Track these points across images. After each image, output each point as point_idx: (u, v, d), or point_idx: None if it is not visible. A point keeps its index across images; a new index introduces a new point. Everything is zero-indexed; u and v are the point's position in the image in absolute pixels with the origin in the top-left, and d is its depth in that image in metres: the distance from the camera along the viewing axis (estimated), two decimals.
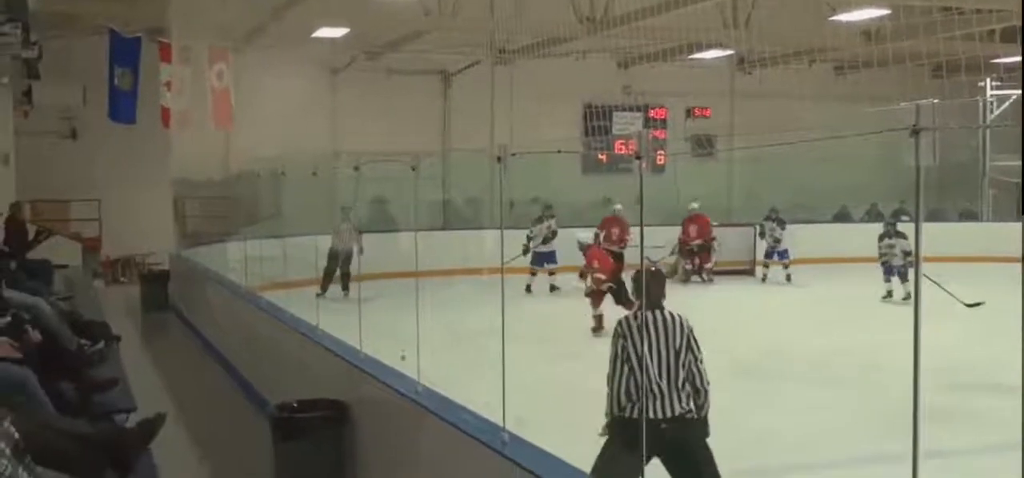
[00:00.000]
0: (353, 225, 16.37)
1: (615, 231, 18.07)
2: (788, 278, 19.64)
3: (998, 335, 13.52)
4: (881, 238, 16.55)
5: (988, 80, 25.19)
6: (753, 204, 20.73)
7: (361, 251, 16.20)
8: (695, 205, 20.36)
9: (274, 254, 15.44)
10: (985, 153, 26.60)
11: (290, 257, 14.81)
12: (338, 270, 16.25)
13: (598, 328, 13.08)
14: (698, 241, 20.07)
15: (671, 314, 5.42)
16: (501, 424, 4.73)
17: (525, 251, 17.98)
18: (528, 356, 7.46)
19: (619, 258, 16.84)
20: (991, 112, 25.56)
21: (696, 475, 5.20)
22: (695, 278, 20.03)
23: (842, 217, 25.68)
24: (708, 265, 20.09)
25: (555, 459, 4.40)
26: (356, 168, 7.59)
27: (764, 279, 20.22)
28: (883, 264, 16.43)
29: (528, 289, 17.70)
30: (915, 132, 2.81)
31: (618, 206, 18.79)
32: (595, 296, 13.70)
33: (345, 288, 16.04)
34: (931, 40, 18.32)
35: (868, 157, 21.23)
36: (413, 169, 6.55)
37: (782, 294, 18.84)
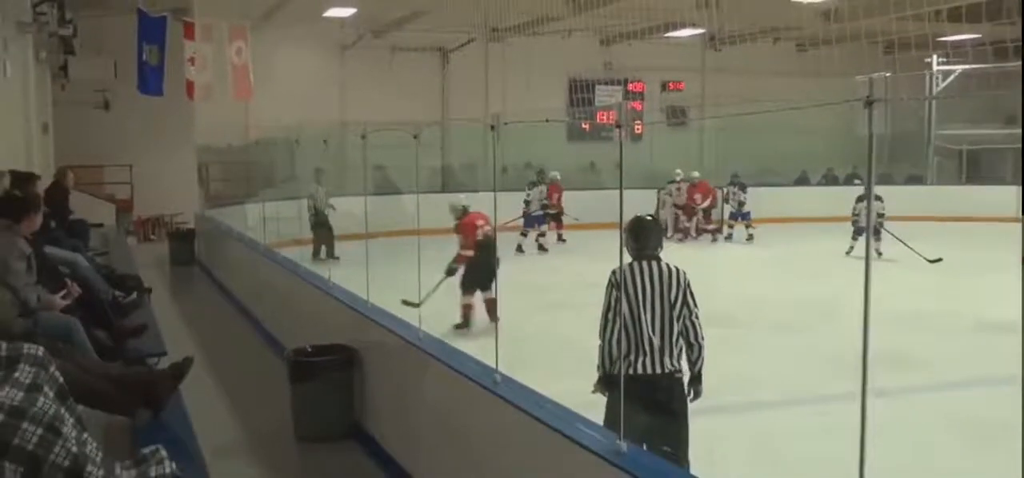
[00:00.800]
0: (325, 189, 16.34)
1: (555, 196, 18.48)
2: (750, 237, 19.68)
3: (949, 287, 13.71)
4: (859, 199, 16.42)
5: (935, 57, 25.10)
6: (722, 169, 20.72)
7: (333, 208, 16.19)
8: (696, 174, 20.34)
9: (290, 214, 15.43)
10: (931, 123, 26.57)
11: (304, 217, 14.78)
12: (322, 246, 16.01)
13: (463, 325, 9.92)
14: (704, 205, 20.09)
15: (668, 266, 4.88)
16: (494, 366, 4.76)
17: (525, 215, 17.98)
18: (522, 306, 7.51)
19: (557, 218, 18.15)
20: (937, 86, 25.52)
21: (671, 443, 4.63)
22: (705, 236, 20.03)
23: (802, 181, 25.71)
24: (711, 226, 20.09)
25: (541, 396, 4.43)
26: (363, 136, 7.56)
27: (729, 238, 20.26)
28: (854, 223, 16.35)
29: (519, 248, 17.68)
30: (869, 103, 2.82)
31: (555, 174, 18.77)
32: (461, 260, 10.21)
33: (330, 254, 15.57)
34: (884, 19, 18.27)
35: (825, 127, 21.13)
36: (415, 137, 6.54)
37: (747, 251, 18.91)
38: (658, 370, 4.68)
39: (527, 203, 18.27)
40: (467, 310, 9.77)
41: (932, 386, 8.09)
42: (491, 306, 9.14)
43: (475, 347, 5.34)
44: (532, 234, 18.31)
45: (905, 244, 15.07)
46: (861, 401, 2.79)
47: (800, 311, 10.95)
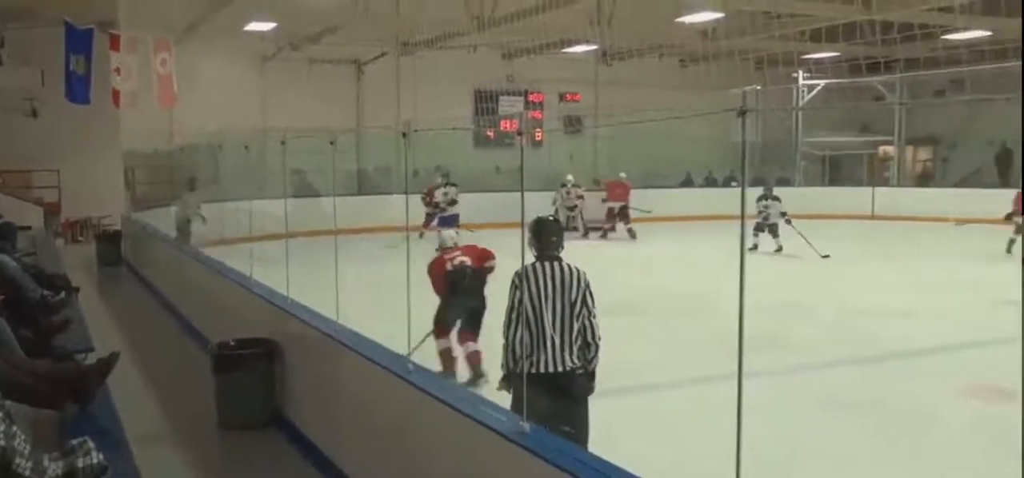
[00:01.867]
0: (196, 195, 16.07)
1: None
2: (630, 233, 19.52)
3: (821, 277, 14.11)
4: (759, 199, 16.61)
5: (800, 72, 25.92)
6: (615, 173, 20.97)
7: (204, 221, 15.93)
8: (623, 175, 20.37)
9: (213, 216, 15.07)
10: (798, 132, 27.34)
11: (227, 219, 14.45)
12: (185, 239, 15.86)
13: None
14: (621, 203, 19.93)
15: (569, 266, 4.70)
16: (407, 355, 4.72)
17: (429, 217, 17.79)
18: (434, 299, 7.46)
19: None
20: (803, 98, 26.31)
21: (572, 426, 4.48)
22: (614, 235, 19.77)
23: (686, 183, 26.22)
24: (628, 224, 19.82)
25: (450, 383, 4.42)
26: (283, 142, 7.42)
27: (605, 235, 20.30)
28: (757, 223, 16.27)
29: (420, 236, 17.28)
30: (741, 113, 2.87)
31: (441, 178, 18.70)
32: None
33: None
34: (755, 38, 18.82)
35: (706, 134, 21.78)
36: (332, 143, 6.46)
37: (639, 248, 19.02)
38: (559, 367, 4.58)
39: (438, 206, 18.06)
40: (443, 355, 7.40)
41: (806, 366, 8.33)
42: (473, 359, 7.26)
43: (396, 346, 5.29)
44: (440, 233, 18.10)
45: (805, 239, 15.49)
46: (738, 381, 2.86)
47: (690, 301, 11.14)
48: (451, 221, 18.02)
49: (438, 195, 18.18)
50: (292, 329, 6.49)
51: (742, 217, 3.08)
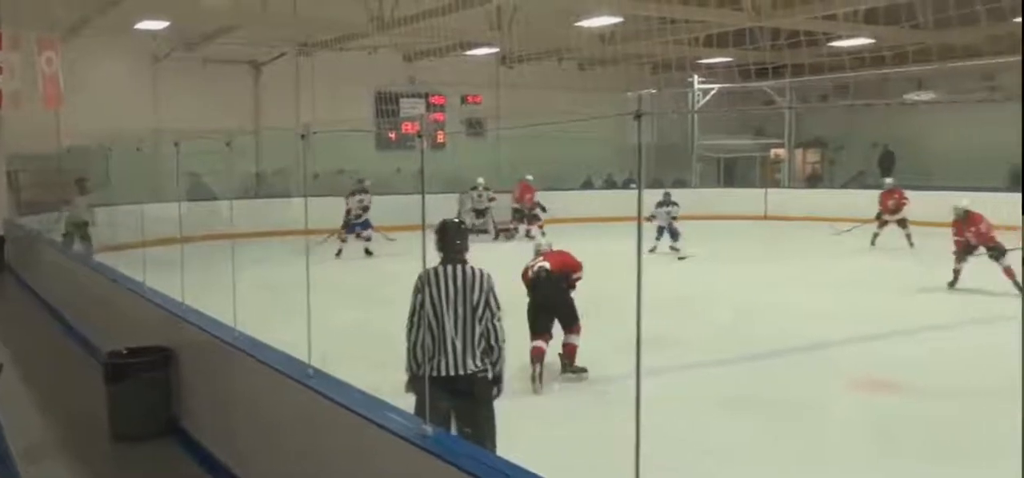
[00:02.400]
0: (88, 198, 15.70)
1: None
2: (527, 234, 19.47)
3: (716, 275, 14.41)
4: (659, 205, 16.73)
5: (695, 76, 26.53)
6: (516, 175, 21.05)
7: (94, 223, 15.55)
8: (530, 177, 20.31)
9: (104, 220, 14.56)
10: (694, 135, 27.95)
11: (118, 222, 14.00)
12: (77, 238, 15.42)
13: None
14: (528, 204, 20.07)
15: (472, 269, 4.69)
16: (307, 361, 4.65)
17: (346, 225, 17.39)
18: (338, 304, 7.37)
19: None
20: (698, 102, 26.94)
21: (478, 430, 4.54)
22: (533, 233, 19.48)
23: (587, 185, 26.53)
24: (538, 224, 19.84)
25: (351, 387, 4.37)
26: (176, 144, 7.22)
27: (511, 236, 20.40)
28: (659, 227, 16.46)
29: (338, 254, 17.06)
30: (637, 116, 2.92)
31: (366, 182, 18.37)
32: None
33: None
34: (651, 43, 19.20)
35: (605, 137, 22.07)
36: (227, 145, 6.31)
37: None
38: (460, 371, 4.54)
39: (349, 212, 17.63)
40: (534, 353, 7.60)
41: (702, 364, 8.52)
42: (567, 352, 7.81)
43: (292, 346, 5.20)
44: (352, 240, 17.61)
45: (673, 242, 15.81)
46: (636, 379, 2.91)
47: (590, 301, 11.25)
48: (363, 226, 17.58)
49: (352, 202, 17.71)
50: (188, 336, 6.33)
51: (639, 218, 3.14)
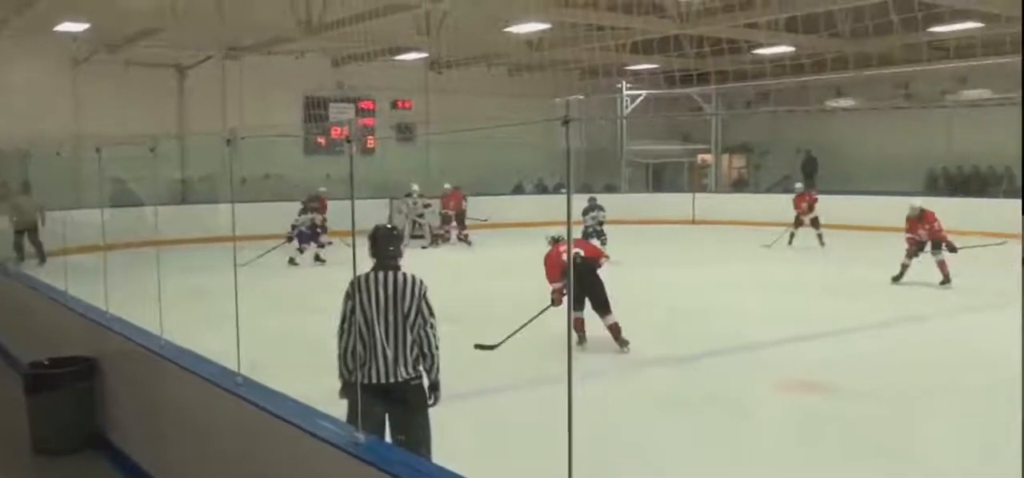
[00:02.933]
0: (35, 199, 15.41)
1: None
2: (460, 238, 19.95)
3: (647, 278, 14.53)
4: (585, 211, 16.77)
5: (624, 82, 26.85)
6: (446, 180, 21.00)
7: (44, 222, 15.27)
8: (448, 186, 20.27)
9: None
10: (622, 140, 28.26)
11: (52, 229, 13.62)
12: (27, 242, 15.40)
13: None
14: (455, 211, 20.15)
15: (404, 275, 4.61)
16: (236, 369, 4.58)
17: (289, 239, 16.94)
18: (269, 311, 7.26)
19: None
20: (627, 107, 27.27)
21: (412, 437, 4.46)
22: (459, 241, 20.00)
23: (518, 190, 26.63)
24: (464, 231, 20.03)
25: (282, 396, 4.31)
26: (98, 150, 7.03)
27: (447, 241, 20.43)
28: (584, 231, 16.54)
29: (292, 261, 16.41)
30: (565, 122, 2.94)
31: (322, 189, 17.97)
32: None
33: (41, 259, 15.09)
34: (579, 49, 19.38)
35: (535, 142, 22.21)
36: (152, 150, 6.17)
37: (475, 254, 19.08)
38: (392, 379, 4.47)
39: (294, 227, 17.18)
40: (577, 324, 8.84)
41: (635, 365, 8.61)
42: (612, 331, 8.91)
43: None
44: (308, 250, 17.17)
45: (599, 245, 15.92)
46: (568, 382, 2.93)
47: (525, 306, 11.31)
48: (311, 238, 17.07)
49: (301, 220, 17.20)
50: (112, 345, 6.17)
51: (569, 222, 3.17)
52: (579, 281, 8.73)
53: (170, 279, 5.70)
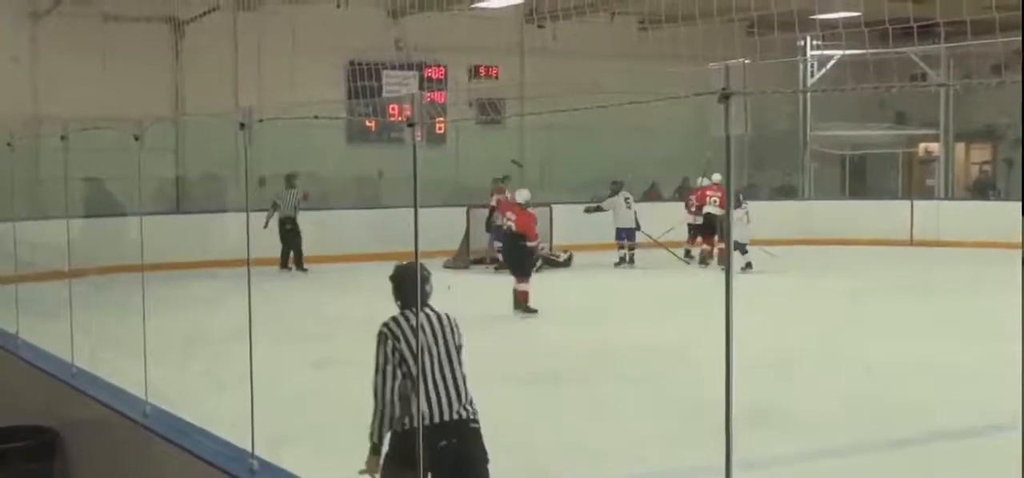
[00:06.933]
0: None
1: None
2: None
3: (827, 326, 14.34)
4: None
5: (809, 39, 26.42)
6: (549, 179, 21.09)
7: None
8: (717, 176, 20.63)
9: None
10: (806, 122, 27.86)
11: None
12: None
13: None
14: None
15: (438, 313, 5.45)
16: (249, 448, 4.67)
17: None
18: (284, 361, 7.39)
19: None
20: (812, 75, 26.81)
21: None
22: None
23: (653, 195, 26.26)
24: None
25: None
26: (64, 137, 7.28)
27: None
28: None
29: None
30: (724, 96, 2.87)
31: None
32: None
33: None
34: None
35: (678, 126, 22.04)
36: (136, 138, 6.36)
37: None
38: (448, 417, 5.17)
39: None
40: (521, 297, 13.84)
41: (814, 452, 8.50)
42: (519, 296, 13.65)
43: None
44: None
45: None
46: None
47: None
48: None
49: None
50: (79, 412, 6.35)
51: (729, 244, 3.16)
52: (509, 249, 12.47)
53: (160, 317, 5.86)
